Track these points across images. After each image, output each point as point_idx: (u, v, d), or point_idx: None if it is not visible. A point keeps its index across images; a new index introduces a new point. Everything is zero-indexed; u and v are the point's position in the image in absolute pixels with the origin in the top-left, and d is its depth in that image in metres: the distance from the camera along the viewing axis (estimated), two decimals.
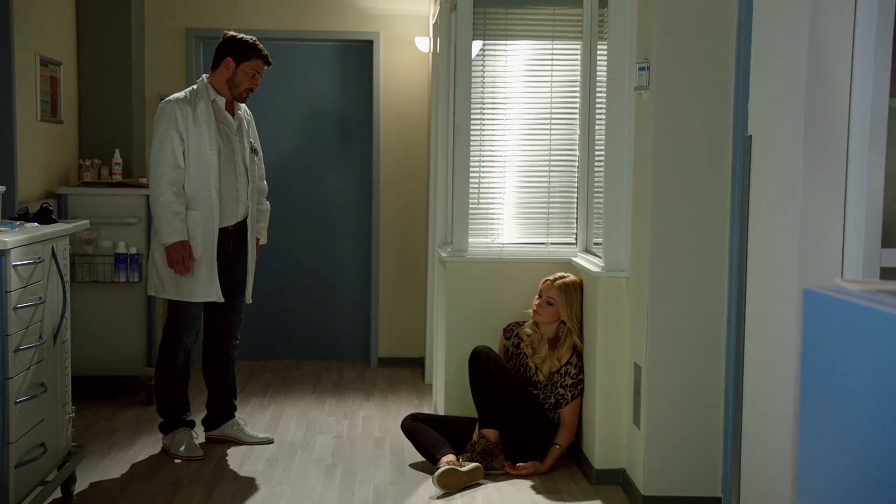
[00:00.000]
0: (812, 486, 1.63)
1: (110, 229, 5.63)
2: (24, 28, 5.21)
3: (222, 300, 4.68)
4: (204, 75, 4.72)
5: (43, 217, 3.90)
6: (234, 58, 4.63)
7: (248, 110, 4.88)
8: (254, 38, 4.69)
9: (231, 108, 4.70)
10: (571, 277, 4.62)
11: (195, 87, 4.67)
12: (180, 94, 4.65)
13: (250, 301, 4.89)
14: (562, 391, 4.53)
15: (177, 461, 4.60)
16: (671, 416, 3.95)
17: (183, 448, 4.64)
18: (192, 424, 4.80)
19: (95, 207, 5.63)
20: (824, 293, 1.62)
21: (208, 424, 4.92)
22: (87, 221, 4.35)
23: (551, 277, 4.62)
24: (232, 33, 4.71)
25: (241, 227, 4.75)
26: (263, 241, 4.96)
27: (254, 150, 4.80)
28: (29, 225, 3.74)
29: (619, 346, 4.30)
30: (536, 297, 4.64)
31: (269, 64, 4.72)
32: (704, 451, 3.92)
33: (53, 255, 3.75)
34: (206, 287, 4.62)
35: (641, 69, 3.96)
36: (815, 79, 2.46)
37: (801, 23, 2.49)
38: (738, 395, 2.85)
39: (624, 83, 4.21)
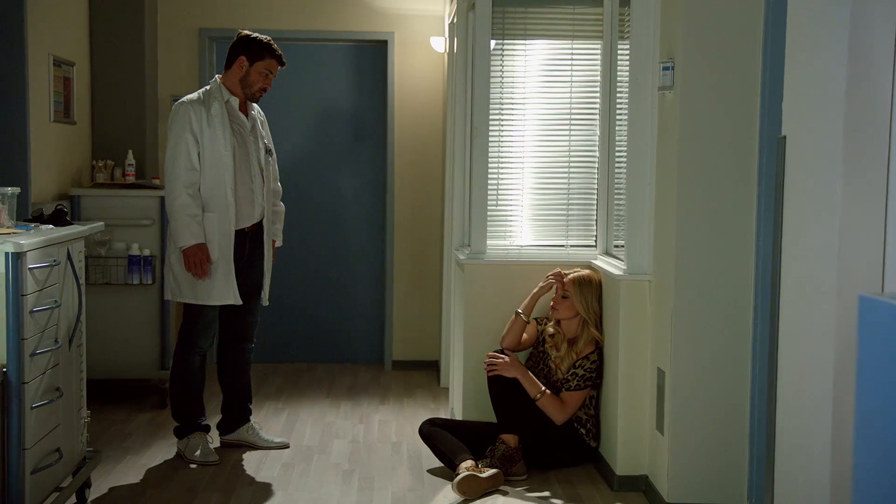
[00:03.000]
0: (870, 495, 1.57)
1: (123, 231, 5.57)
2: (38, 28, 5.17)
3: (240, 303, 4.62)
4: (217, 76, 4.66)
5: (58, 219, 3.84)
6: (247, 57, 4.57)
7: (262, 111, 4.83)
8: (268, 38, 4.64)
9: (245, 109, 4.65)
10: (585, 271, 4.58)
11: (208, 87, 4.62)
12: (193, 96, 4.60)
13: (267, 303, 4.84)
14: (570, 378, 4.47)
15: (192, 466, 4.54)
16: (696, 421, 3.88)
17: (198, 453, 4.59)
18: (206, 429, 4.74)
19: (108, 209, 5.58)
20: (881, 300, 1.56)
21: (223, 429, 4.86)
22: (102, 223, 4.29)
23: (553, 273, 4.60)
24: (246, 32, 4.66)
25: (257, 228, 4.69)
26: (279, 242, 4.91)
27: (268, 151, 4.75)
28: (44, 227, 3.69)
29: (641, 350, 4.23)
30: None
31: (282, 64, 4.66)
32: (730, 457, 3.85)
33: (69, 257, 3.70)
34: (223, 290, 4.56)
35: (666, 68, 3.89)
36: (855, 77, 2.39)
37: (841, 19, 2.43)
38: (771, 403, 2.78)
39: (647, 83, 4.14)
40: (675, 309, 3.86)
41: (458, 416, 5.03)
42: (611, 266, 4.48)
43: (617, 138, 4.71)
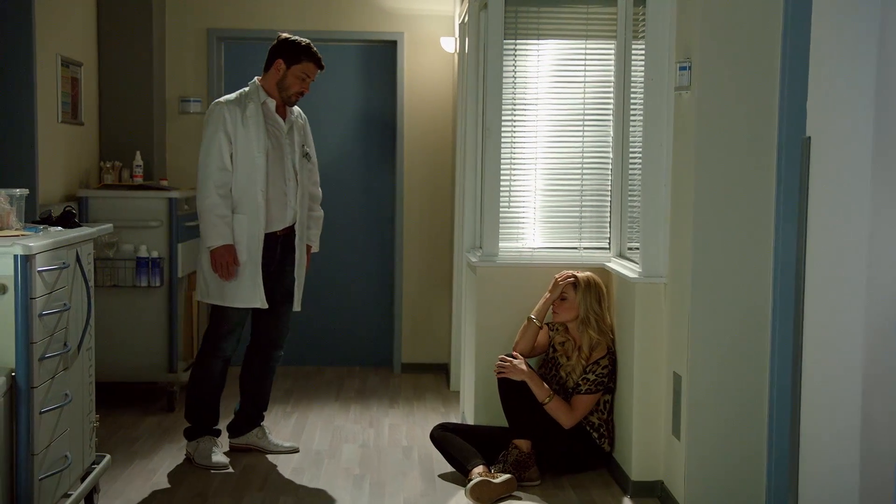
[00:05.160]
0: None
1: (131, 233, 5.52)
2: (46, 28, 5.12)
3: (266, 306, 4.55)
4: (256, 77, 4.61)
5: (66, 221, 3.80)
6: (284, 60, 4.51)
7: (303, 114, 4.76)
8: (307, 42, 4.56)
9: (283, 111, 4.59)
10: (585, 273, 4.54)
11: (246, 88, 4.58)
12: (231, 96, 4.56)
13: (298, 308, 4.74)
14: (581, 382, 4.42)
15: (212, 471, 4.47)
16: (713, 427, 3.82)
17: (208, 457, 4.53)
18: (217, 433, 4.69)
19: (116, 210, 5.52)
20: None
21: (234, 431, 4.81)
22: (111, 225, 4.24)
23: (559, 276, 4.57)
24: (285, 35, 4.59)
25: (290, 232, 4.62)
26: (315, 248, 4.84)
27: (305, 155, 4.66)
28: (53, 229, 3.64)
29: (656, 354, 4.17)
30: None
31: (321, 68, 4.58)
32: (748, 463, 3.79)
33: (78, 259, 3.65)
34: (249, 293, 4.50)
35: (682, 69, 3.84)
36: (885, 75, 2.33)
37: (870, 15, 2.37)
38: (795, 408, 2.72)
39: (663, 83, 4.09)
40: (691, 312, 3.80)
41: (470, 421, 4.98)
42: (625, 269, 4.42)
43: (631, 139, 4.65)
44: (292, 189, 4.56)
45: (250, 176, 4.44)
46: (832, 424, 2.55)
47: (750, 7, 3.70)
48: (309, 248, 4.80)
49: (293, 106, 4.63)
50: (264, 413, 4.86)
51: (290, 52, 4.51)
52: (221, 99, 4.57)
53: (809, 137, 2.68)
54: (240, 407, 4.82)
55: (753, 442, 3.78)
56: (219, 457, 4.55)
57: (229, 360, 4.68)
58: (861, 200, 2.41)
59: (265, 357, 4.78)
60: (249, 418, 4.80)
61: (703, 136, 3.76)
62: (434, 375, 6.58)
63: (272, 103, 4.54)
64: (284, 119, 4.59)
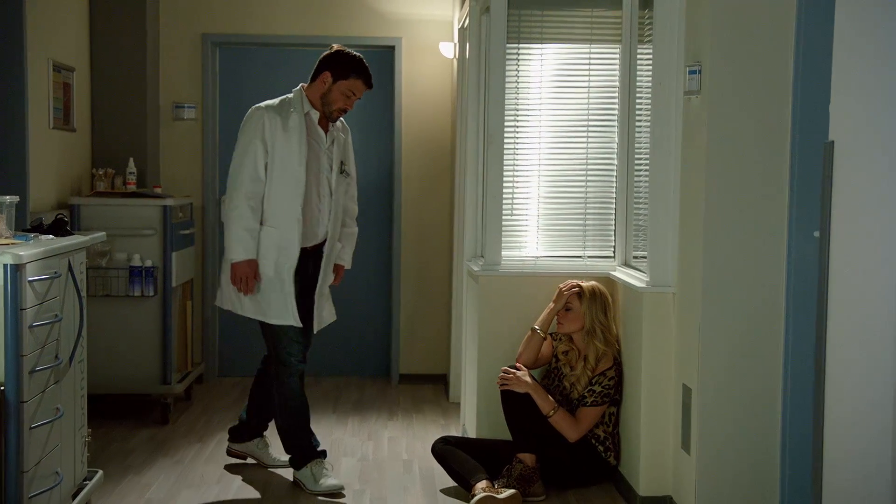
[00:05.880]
0: None
1: (124, 241, 5.41)
2: (37, 33, 5.01)
3: (299, 325, 4.33)
4: (301, 84, 4.40)
5: (58, 229, 3.70)
6: (332, 73, 4.29)
7: (346, 126, 4.53)
8: (360, 57, 4.33)
9: (324, 124, 4.37)
10: (590, 283, 4.45)
11: (290, 95, 4.36)
12: (273, 102, 4.34)
13: (315, 331, 4.48)
14: (587, 394, 4.32)
15: (320, 497, 4.27)
16: (724, 441, 3.71)
17: (322, 483, 4.29)
18: (323, 454, 4.42)
19: (109, 219, 5.42)
20: None
21: (234, 436, 4.66)
22: (104, 233, 4.14)
23: (564, 286, 4.46)
24: (338, 47, 4.38)
25: (320, 249, 4.42)
26: (347, 266, 4.64)
27: (343, 172, 4.45)
28: (44, 237, 3.53)
29: (665, 366, 4.07)
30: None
31: (369, 87, 4.36)
32: (761, 477, 3.69)
33: (70, 269, 3.53)
34: (280, 310, 4.28)
35: (692, 72, 3.74)
36: None
37: (894, 16, 2.27)
38: (818, 421, 2.62)
39: (671, 87, 3.99)
40: (702, 322, 3.70)
41: (471, 434, 4.87)
42: (632, 278, 4.32)
43: (637, 145, 4.55)
44: (326, 206, 4.36)
45: (287, 188, 4.23)
46: (859, 435, 2.45)
47: (761, 8, 3.61)
48: (341, 267, 4.60)
49: (334, 122, 4.40)
50: (268, 424, 4.70)
51: (339, 67, 4.29)
52: (262, 104, 4.34)
53: (832, 142, 2.58)
54: (245, 414, 4.67)
55: (766, 455, 3.68)
56: (331, 481, 4.32)
57: (304, 374, 4.44)
58: (888, 205, 2.32)
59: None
60: (252, 427, 4.65)
61: (713, 141, 3.66)
62: (433, 386, 6.46)
63: (315, 115, 4.32)
64: (326, 132, 4.37)
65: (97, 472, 3.92)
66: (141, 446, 4.96)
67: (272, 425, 4.62)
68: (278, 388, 4.38)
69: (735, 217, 3.67)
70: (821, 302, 2.61)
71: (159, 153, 6.31)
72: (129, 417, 5.47)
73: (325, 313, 4.52)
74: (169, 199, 5.53)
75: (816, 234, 3.47)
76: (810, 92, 3.50)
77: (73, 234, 3.76)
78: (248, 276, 4.24)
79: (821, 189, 2.58)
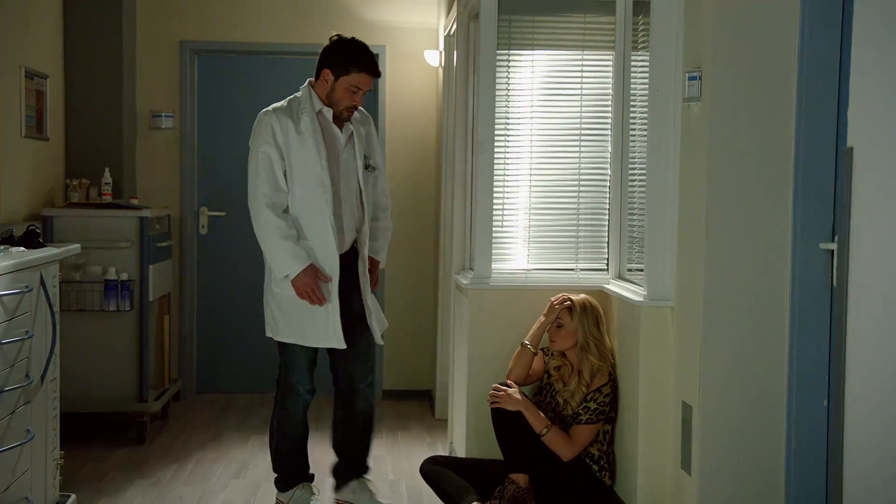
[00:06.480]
0: None
1: (99, 254, 5.28)
2: (9, 38, 4.86)
3: (344, 346, 3.98)
4: (309, 80, 4.04)
5: (30, 241, 3.55)
6: (331, 70, 3.92)
7: (367, 115, 4.16)
8: (359, 46, 3.97)
9: (339, 120, 4.02)
10: (580, 296, 4.29)
11: (297, 94, 4.01)
12: (281, 103, 3.98)
13: (380, 342, 4.16)
14: (581, 412, 4.17)
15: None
16: (728, 461, 3.57)
17: None
18: (312, 478, 4.19)
19: (83, 231, 5.27)
20: None
21: (335, 480, 4.33)
22: (78, 245, 3.98)
23: (555, 299, 4.30)
24: (335, 36, 4.01)
25: (352, 255, 4.05)
26: (382, 263, 4.24)
27: (368, 167, 4.09)
28: (14, 249, 3.37)
29: (663, 382, 3.92)
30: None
31: (375, 75, 3.98)
32: (765, 499, 3.55)
33: (42, 283, 3.37)
34: (319, 330, 3.93)
35: (692, 78, 3.62)
36: None
37: None
38: (838, 443, 2.49)
39: (669, 94, 3.86)
40: (704, 338, 3.56)
41: (460, 453, 4.71)
42: (627, 291, 4.18)
43: (631, 154, 4.42)
44: (349, 209, 4.00)
45: (314, 195, 3.88)
46: (883, 459, 2.32)
47: (764, 11, 3.49)
48: (376, 263, 4.22)
49: (345, 121, 4.03)
50: (367, 462, 4.29)
51: (336, 61, 3.92)
52: (269, 107, 3.98)
53: (852, 148, 2.46)
54: (335, 465, 4.34)
55: (770, 475, 3.54)
56: None
57: (308, 406, 4.15)
58: None
59: (347, 401, 4.22)
60: (343, 471, 4.30)
61: (714, 148, 3.53)
62: (418, 402, 6.31)
63: (329, 112, 3.96)
64: (341, 129, 4.02)
65: (70, 496, 3.75)
66: (116, 468, 4.80)
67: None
68: (280, 414, 4.12)
69: (737, 228, 3.53)
70: (839, 315, 2.48)
71: (136, 163, 6.17)
72: (104, 437, 5.32)
73: (375, 320, 4.14)
74: (146, 211, 5.40)
75: (822, 245, 3.39)
76: (816, 97, 3.38)
77: (45, 246, 3.60)
78: (311, 285, 3.84)
79: (839, 197, 2.47)
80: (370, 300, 4.11)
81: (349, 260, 4.03)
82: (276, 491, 4.23)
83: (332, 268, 3.91)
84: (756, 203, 3.53)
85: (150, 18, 6.22)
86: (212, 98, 6.42)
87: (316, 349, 4.06)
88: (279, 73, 6.44)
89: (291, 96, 4.05)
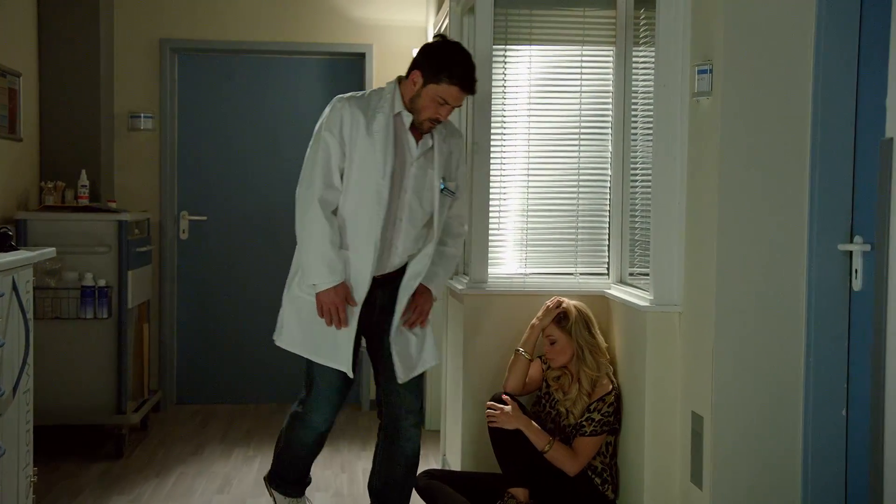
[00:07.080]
0: None
1: (76, 259, 5.11)
2: None
3: (352, 375, 3.61)
4: (398, 76, 3.65)
5: (1, 244, 3.38)
6: (422, 72, 3.50)
7: (457, 129, 3.77)
8: (460, 53, 3.55)
9: (417, 130, 3.58)
10: (568, 304, 4.11)
11: (382, 87, 3.62)
12: (360, 94, 3.60)
13: (401, 379, 3.63)
14: (585, 423, 3.99)
15: None
16: (741, 474, 3.41)
17: None
18: (308, 484, 3.92)
19: (59, 235, 5.09)
20: None
21: None
22: (53, 249, 3.82)
23: (551, 302, 4.12)
24: (438, 38, 3.66)
25: (393, 277, 3.66)
26: (434, 292, 3.72)
27: (445, 190, 3.63)
28: None
29: (670, 391, 3.76)
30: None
31: (470, 92, 3.54)
32: None
33: (14, 288, 3.20)
34: (332, 349, 3.56)
35: (702, 72, 3.46)
36: None
37: None
38: (877, 462, 2.33)
39: (676, 89, 3.69)
40: (716, 345, 3.40)
41: (454, 466, 4.53)
42: (631, 296, 4.01)
43: (633, 153, 4.26)
44: (402, 228, 3.58)
45: (367, 205, 3.49)
46: None
47: (779, 1, 3.33)
48: (426, 293, 3.70)
49: (424, 132, 3.59)
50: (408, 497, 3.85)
51: (430, 65, 3.49)
52: (346, 94, 3.57)
53: (892, 139, 2.30)
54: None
55: (787, 488, 3.38)
56: None
57: (324, 436, 3.78)
58: None
59: (390, 438, 3.78)
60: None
61: (727, 146, 3.37)
62: None
63: (408, 118, 3.53)
64: (419, 139, 3.59)
65: None
66: (92, 483, 4.62)
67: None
68: (288, 433, 3.79)
69: (751, 229, 3.38)
70: (877, 319, 2.32)
71: (114, 165, 6.00)
72: (80, 451, 5.14)
73: (422, 355, 3.71)
74: (124, 214, 5.23)
75: (841, 246, 3.24)
76: (833, 89, 3.23)
77: (18, 249, 3.41)
78: (337, 305, 3.48)
79: (877, 191, 2.31)
80: (406, 333, 3.68)
81: (392, 284, 3.65)
82: (266, 488, 3.97)
83: (361, 288, 3.55)
84: (770, 202, 3.38)
85: (129, 15, 6.07)
86: (193, 98, 6.26)
87: (341, 378, 3.67)
88: (263, 72, 6.30)
89: (374, 89, 3.68)
